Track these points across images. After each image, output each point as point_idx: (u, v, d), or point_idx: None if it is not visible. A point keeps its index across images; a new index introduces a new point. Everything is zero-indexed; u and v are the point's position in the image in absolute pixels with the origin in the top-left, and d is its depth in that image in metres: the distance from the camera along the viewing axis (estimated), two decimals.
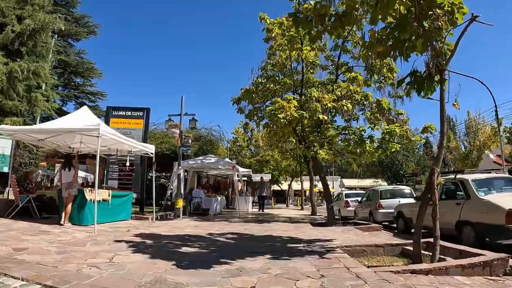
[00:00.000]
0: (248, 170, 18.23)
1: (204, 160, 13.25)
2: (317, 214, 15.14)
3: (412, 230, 6.77)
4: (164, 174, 19.02)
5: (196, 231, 7.83)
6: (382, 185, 44.60)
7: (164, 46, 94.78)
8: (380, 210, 11.04)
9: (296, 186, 37.28)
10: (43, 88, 16.91)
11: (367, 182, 45.29)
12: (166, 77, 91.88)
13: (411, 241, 5.28)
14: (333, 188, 43.10)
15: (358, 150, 11.57)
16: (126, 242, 5.71)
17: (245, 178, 22.60)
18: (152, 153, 10.39)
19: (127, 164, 9.13)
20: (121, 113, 12.92)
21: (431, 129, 9.80)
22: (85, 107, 9.59)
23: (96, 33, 29.19)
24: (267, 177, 19.64)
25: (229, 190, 22.20)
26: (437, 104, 4.76)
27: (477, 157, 24.81)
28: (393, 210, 10.87)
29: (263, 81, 13.04)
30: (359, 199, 14.95)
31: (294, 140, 20.33)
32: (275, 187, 39.29)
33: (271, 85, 13.14)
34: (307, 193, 43.15)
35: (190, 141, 12.06)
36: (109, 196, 9.04)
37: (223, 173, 19.47)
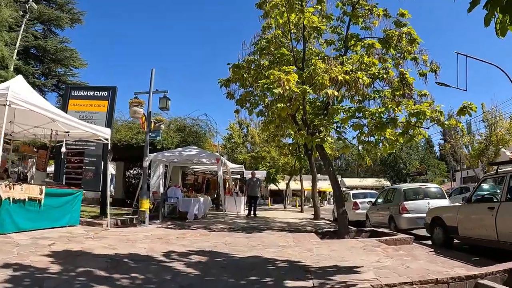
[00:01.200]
0: (240, 166, 15.74)
1: (183, 152, 10.73)
2: (320, 217, 12.63)
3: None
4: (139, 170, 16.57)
5: (152, 247, 5.31)
6: (385, 185, 42.38)
7: (160, 41, 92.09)
8: (405, 215, 8.56)
9: (294, 185, 34.82)
10: None
11: (369, 182, 42.94)
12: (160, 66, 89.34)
13: (490, 269, 3.67)
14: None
15: (375, 138, 9.17)
16: (15, 268, 3.24)
17: (237, 176, 20.10)
18: (106, 139, 7.88)
19: (63, 150, 6.61)
20: (82, 93, 10.41)
21: (470, 110, 7.32)
22: (20, 76, 7.01)
23: (82, 21, 26.52)
24: (261, 174, 17.12)
25: (220, 189, 19.72)
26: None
27: (494, 153, 22.43)
28: (423, 215, 8.40)
29: (255, 58, 10.59)
30: (372, 200, 12.48)
31: (292, 132, 17.94)
32: (272, 186, 36.85)
33: (265, 61, 10.68)
34: (306, 193, 40.70)
35: (162, 126, 9.55)
36: (41, 194, 6.56)
37: (213, 170, 16.97)
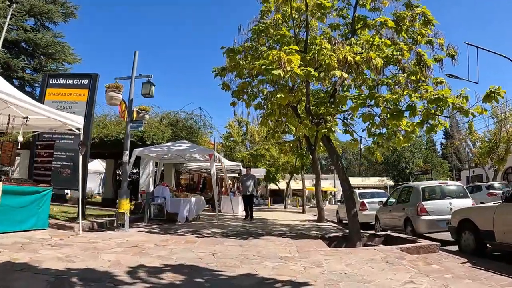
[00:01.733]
0: (238, 164, 14.60)
1: (172, 147, 9.60)
2: (325, 219, 11.48)
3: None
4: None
5: (119, 259, 4.19)
6: (388, 184, 41.32)
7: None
8: (424, 217, 7.42)
9: (294, 185, 33.71)
10: None
11: (372, 181, 41.82)
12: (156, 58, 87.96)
13: None
14: (334, 187, 39.65)
15: (387, 130, 8.12)
16: None
17: (235, 174, 18.98)
18: (78, 129, 6.77)
19: (19, 139, 5.49)
20: (61, 81, 9.30)
21: (498, 95, 6.21)
22: None
23: (75, 15, 25.45)
24: (260, 172, 15.99)
25: (217, 189, 18.56)
26: None
27: (505, 150, 21.25)
28: (444, 217, 7.29)
29: (253, 44, 9.52)
30: (381, 200, 11.38)
31: (293, 128, 16.77)
32: (271, 186, 35.68)
33: (264, 47, 9.65)
34: (307, 192, 39.52)
35: (147, 116, 8.42)
36: None
37: (209, 168, 15.84)
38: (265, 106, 12.41)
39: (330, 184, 39.94)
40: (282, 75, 6.19)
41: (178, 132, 13.86)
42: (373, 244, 6.98)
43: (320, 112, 7.28)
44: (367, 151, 9.51)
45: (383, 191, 14.50)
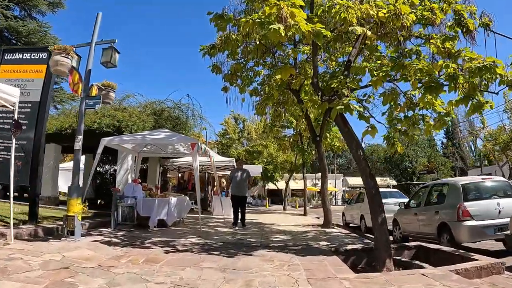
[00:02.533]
0: (231, 160, 12.85)
1: (148, 136, 7.83)
2: (332, 223, 9.69)
3: None
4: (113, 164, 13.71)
5: None
6: (391, 184, 39.62)
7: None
8: (468, 222, 5.69)
9: (293, 184, 32.02)
10: None
11: None
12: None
13: None
14: (335, 187, 37.96)
15: (414, 114, 6.53)
16: None
17: (228, 172, 17.25)
18: (13, 105, 5.04)
19: None
20: (17, 56, 7.58)
21: None
22: None
23: (63, 5, 23.65)
24: (256, 170, 14.25)
25: (208, 188, 16.80)
26: None
27: None
28: (494, 222, 5.60)
29: (247, 9, 7.80)
30: (398, 200, 9.71)
31: (294, 121, 15.05)
32: (270, 185, 33.92)
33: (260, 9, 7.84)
34: (308, 193, 37.75)
35: (112, 94, 6.66)
36: None
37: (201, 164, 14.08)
38: (261, 92, 10.72)
39: (330, 184, 38.20)
40: (283, 33, 4.42)
41: (163, 122, 12.10)
42: (405, 260, 5.26)
43: (332, 85, 5.53)
44: (387, 141, 7.76)
45: (396, 190, 12.81)
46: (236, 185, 7.99)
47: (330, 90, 5.98)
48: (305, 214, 14.64)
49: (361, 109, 5.85)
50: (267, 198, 34.76)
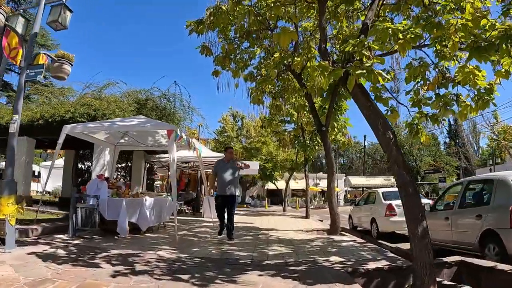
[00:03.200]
0: (222, 155, 11.41)
1: (117, 123, 6.42)
2: (340, 229, 8.24)
3: None
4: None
5: None
6: (395, 184, 37.50)
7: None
8: None
9: (292, 184, 30.56)
10: None
11: (378, 181, 38.64)
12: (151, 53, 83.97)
13: None
14: (337, 187, 36.35)
15: (446, 93, 5.19)
16: None
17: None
18: None
19: None
20: None
21: None
22: None
23: None
24: (253, 166, 12.84)
25: (201, 188, 15.39)
26: None
27: None
28: None
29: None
30: (424, 201, 8.31)
31: (295, 113, 13.62)
32: (270, 185, 32.51)
33: None
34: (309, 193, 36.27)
35: (67, 68, 5.25)
36: None
37: (191, 161, 12.67)
38: (258, 77, 9.32)
39: None
40: None
41: (148, 113, 10.67)
42: (448, 283, 3.85)
43: (347, 49, 4.10)
44: (409, 128, 6.36)
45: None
46: (223, 182, 5.93)
47: (343, 58, 4.59)
48: (307, 216, 13.22)
49: (388, 77, 4.46)
50: (266, 199, 33.35)
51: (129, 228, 6.24)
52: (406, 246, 6.65)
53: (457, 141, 43.97)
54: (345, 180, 39.25)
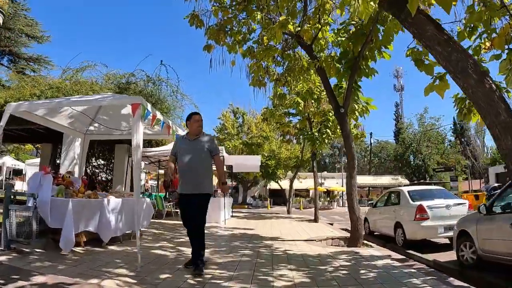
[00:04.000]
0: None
1: (71, 99, 4.83)
2: (362, 237, 6.59)
3: None
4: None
5: None
6: (403, 183, 36.15)
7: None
8: None
9: (296, 184, 28.89)
10: None
11: (385, 180, 37.02)
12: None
13: None
14: (342, 186, 34.58)
15: None
16: None
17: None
18: None
19: None
20: None
21: None
22: None
23: None
24: (252, 161, 11.25)
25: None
26: None
27: None
28: None
29: None
30: (456, 201, 6.75)
31: (301, 102, 12.05)
32: (272, 184, 30.87)
33: None
34: (311, 192, 34.58)
35: None
36: None
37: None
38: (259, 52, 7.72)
39: (337, 183, 35.22)
40: None
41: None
42: None
43: None
44: (459, 104, 4.74)
45: (442, 188, 9.77)
46: (185, 172, 3.69)
47: None
48: (315, 220, 11.57)
49: None
50: (268, 199, 31.73)
51: (86, 240, 4.65)
52: (441, 257, 5.07)
53: (463, 139, 42.15)
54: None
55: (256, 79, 7.92)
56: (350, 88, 6.28)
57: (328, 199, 33.41)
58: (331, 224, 11.29)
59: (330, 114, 11.35)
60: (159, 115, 4.64)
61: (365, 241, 6.14)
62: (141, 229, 6.08)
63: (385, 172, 43.69)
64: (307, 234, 7.52)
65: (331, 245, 6.05)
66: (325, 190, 31.76)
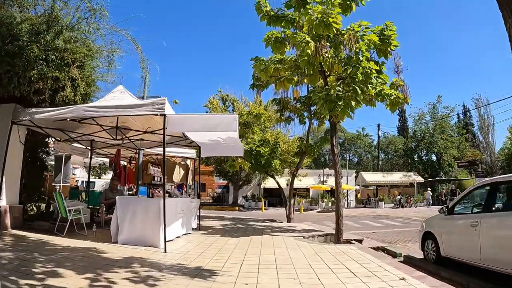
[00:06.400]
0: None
1: None
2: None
3: None
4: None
5: None
6: (417, 180, 31.49)
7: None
8: None
9: (295, 182, 24.13)
10: None
11: (396, 177, 32.47)
12: None
13: None
14: (347, 184, 29.88)
15: None
16: None
17: (182, 154, 9.48)
18: None
19: None
20: None
21: None
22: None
23: None
24: (232, 137, 6.52)
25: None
26: None
27: None
28: None
29: None
30: None
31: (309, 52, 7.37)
32: (268, 182, 26.15)
33: None
34: (311, 192, 29.82)
35: None
36: None
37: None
38: None
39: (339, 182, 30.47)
40: None
41: None
42: None
43: None
44: None
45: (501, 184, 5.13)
46: None
47: None
48: (338, 238, 6.81)
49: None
50: (263, 200, 27.04)
51: None
52: None
53: (467, 135, 37.70)
54: (356, 177, 32.88)
55: None
56: None
57: (332, 199, 28.74)
58: (377, 249, 6.58)
59: (360, 61, 6.72)
60: None
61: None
62: None
63: (393, 169, 39.13)
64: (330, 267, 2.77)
65: None
66: (329, 188, 27.04)
